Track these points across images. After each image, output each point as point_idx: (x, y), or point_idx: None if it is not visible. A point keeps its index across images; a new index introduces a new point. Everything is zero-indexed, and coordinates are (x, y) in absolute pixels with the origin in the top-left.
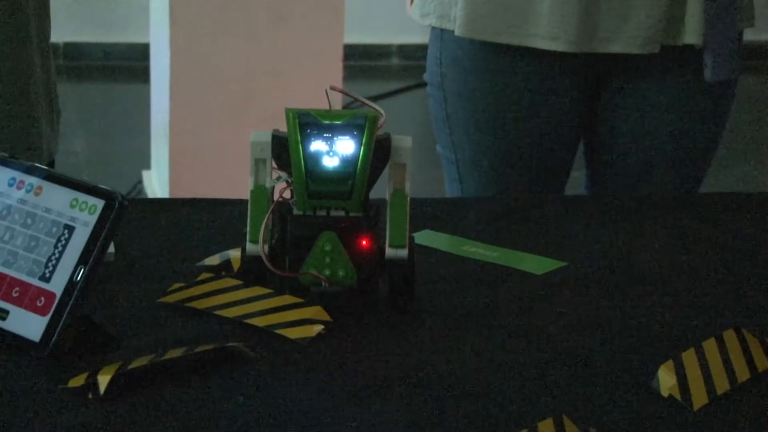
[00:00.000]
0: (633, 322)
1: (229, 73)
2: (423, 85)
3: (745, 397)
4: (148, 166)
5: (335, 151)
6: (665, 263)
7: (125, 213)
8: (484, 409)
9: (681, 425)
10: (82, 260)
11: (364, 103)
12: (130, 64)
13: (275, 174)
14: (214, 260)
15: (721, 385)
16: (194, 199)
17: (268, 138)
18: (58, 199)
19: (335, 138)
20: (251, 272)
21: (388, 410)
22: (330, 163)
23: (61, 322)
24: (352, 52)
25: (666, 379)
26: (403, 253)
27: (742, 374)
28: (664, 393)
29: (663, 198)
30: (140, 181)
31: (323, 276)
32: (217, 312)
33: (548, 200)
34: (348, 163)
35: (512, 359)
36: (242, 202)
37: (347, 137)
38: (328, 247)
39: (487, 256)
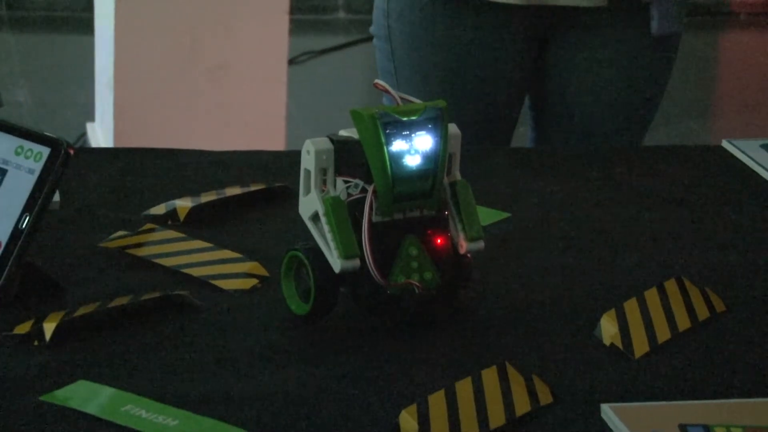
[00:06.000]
0: (576, 272)
1: (174, 25)
2: (369, 39)
3: (686, 346)
4: (92, 119)
5: (416, 148)
6: (608, 215)
7: (71, 160)
8: (427, 358)
9: (623, 373)
10: (28, 208)
11: (405, 99)
12: (74, 15)
13: (341, 182)
14: (159, 209)
15: (662, 333)
16: (140, 148)
17: (330, 145)
18: (2, 147)
19: (413, 135)
20: (325, 303)
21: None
22: (412, 162)
23: (6, 269)
24: (298, 6)
25: (608, 328)
26: (481, 244)
27: (683, 323)
28: (607, 342)
29: (606, 151)
30: (84, 134)
31: (415, 282)
32: (156, 260)
33: (494, 152)
34: (428, 159)
35: (456, 308)
36: (189, 153)
37: (423, 132)
38: (414, 252)
39: None
